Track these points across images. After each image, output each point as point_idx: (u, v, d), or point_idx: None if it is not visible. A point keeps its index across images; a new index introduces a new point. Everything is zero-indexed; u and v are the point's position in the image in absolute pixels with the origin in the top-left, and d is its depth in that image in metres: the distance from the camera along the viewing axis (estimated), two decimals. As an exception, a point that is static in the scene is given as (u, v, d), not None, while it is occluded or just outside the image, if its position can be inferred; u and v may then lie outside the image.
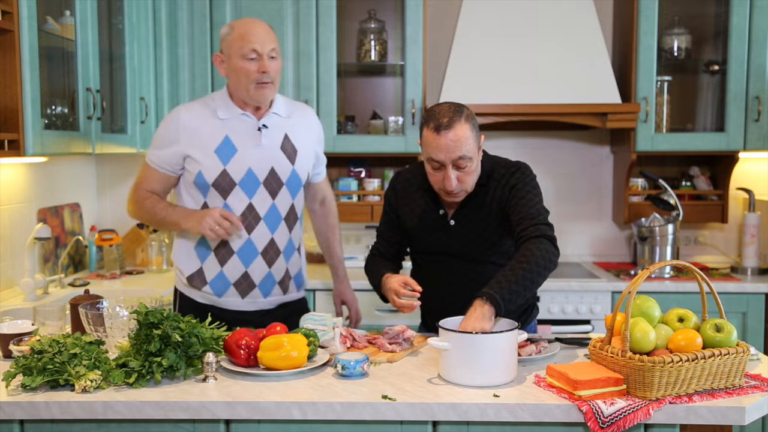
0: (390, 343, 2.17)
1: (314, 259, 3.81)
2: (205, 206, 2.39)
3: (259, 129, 2.40)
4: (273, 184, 2.41)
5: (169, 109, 3.65)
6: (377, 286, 2.32)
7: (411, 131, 3.65)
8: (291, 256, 2.51)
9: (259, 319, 2.40)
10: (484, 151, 2.30)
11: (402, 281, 2.19)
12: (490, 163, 2.29)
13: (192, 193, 2.41)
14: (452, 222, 2.28)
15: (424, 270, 2.38)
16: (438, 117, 2.11)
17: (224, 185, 2.35)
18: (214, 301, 2.44)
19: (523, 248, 2.08)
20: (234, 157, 2.36)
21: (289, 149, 2.44)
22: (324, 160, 2.63)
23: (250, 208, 2.38)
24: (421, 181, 2.32)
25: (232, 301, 2.44)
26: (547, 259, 2.06)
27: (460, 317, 1.98)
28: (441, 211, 2.30)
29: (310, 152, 2.51)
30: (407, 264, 2.52)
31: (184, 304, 2.48)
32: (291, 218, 2.48)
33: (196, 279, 2.43)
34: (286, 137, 2.44)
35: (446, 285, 2.30)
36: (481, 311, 1.92)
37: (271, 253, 2.43)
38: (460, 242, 2.28)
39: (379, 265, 2.39)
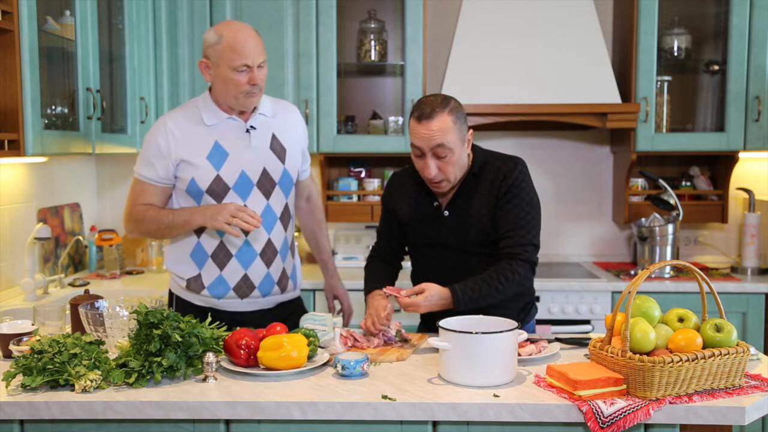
0: (386, 343, 2.19)
1: (313, 259, 3.80)
2: None
3: (248, 131, 2.39)
4: (266, 184, 2.40)
5: (170, 109, 3.66)
6: (366, 293, 2.39)
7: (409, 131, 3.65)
8: (287, 255, 2.51)
9: (257, 320, 2.40)
10: (477, 146, 2.33)
11: (387, 313, 2.24)
12: (483, 154, 2.33)
13: (184, 201, 2.39)
14: (446, 213, 2.31)
15: (422, 266, 2.41)
16: (422, 107, 2.20)
17: (218, 190, 2.34)
18: (212, 304, 2.43)
19: (506, 266, 2.21)
20: (226, 161, 2.35)
21: (278, 149, 2.44)
22: (309, 157, 2.63)
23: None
24: (416, 177, 2.35)
25: (231, 303, 2.43)
26: (520, 284, 2.23)
27: (461, 317, 1.99)
28: (435, 203, 2.33)
29: (297, 150, 2.52)
30: (407, 264, 2.53)
31: (180, 307, 2.47)
32: (285, 217, 2.48)
33: (194, 284, 2.42)
34: (273, 137, 2.44)
35: (444, 279, 2.31)
36: (442, 302, 2.15)
37: (269, 253, 2.43)
38: (455, 233, 2.30)
39: (376, 272, 2.45)
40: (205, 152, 2.34)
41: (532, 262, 2.23)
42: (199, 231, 2.39)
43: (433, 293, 2.16)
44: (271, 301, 2.49)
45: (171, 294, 2.54)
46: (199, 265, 2.41)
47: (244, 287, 2.42)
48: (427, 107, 2.18)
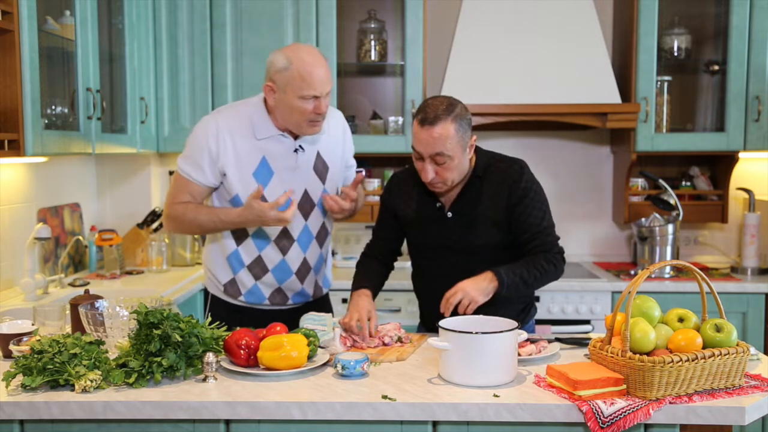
0: (385, 343, 2.19)
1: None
2: None
3: (296, 150, 2.37)
4: (306, 206, 2.41)
5: (170, 110, 3.66)
6: (353, 289, 2.36)
7: (411, 131, 3.65)
8: (320, 269, 2.54)
9: (291, 316, 2.42)
10: (479, 147, 2.33)
11: (368, 315, 2.22)
12: (485, 156, 2.33)
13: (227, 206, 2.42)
14: (449, 214, 2.31)
15: (424, 268, 2.40)
16: (426, 110, 2.17)
17: None
18: (247, 305, 2.49)
19: (542, 256, 2.24)
20: (270, 181, 2.34)
21: (320, 168, 2.43)
22: (353, 164, 2.61)
23: (284, 230, 2.40)
24: (417, 178, 2.34)
25: (265, 306, 2.49)
26: (556, 275, 2.27)
27: (460, 317, 1.98)
28: (438, 204, 2.32)
29: (339, 165, 2.50)
30: (399, 264, 2.52)
31: (215, 304, 2.53)
32: (322, 235, 2.49)
33: (231, 289, 2.47)
34: (318, 155, 2.43)
35: (446, 280, 2.30)
36: (485, 284, 2.13)
37: (303, 271, 2.47)
38: (458, 234, 2.30)
39: (366, 270, 2.44)
40: (252, 168, 2.34)
41: (562, 254, 2.29)
42: (239, 240, 2.41)
43: (470, 279, 2.14)
44: (303, 301, 2.54)
45: (206, 292, 2.59)
46: (234, 270, 2.44)
47: (278, 297, 2.47)
48: (431, 112, 2.15)
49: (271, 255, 2.41)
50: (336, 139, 2.49)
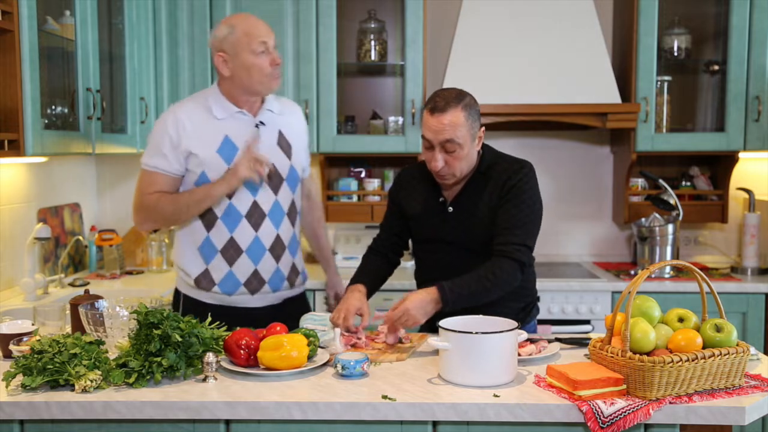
0: (385, 343, 2.19)
1: (314, 259, 3.80)
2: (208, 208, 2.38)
3: (257, 126, 2.41)
4: (274, 180, 2.42)
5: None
6: (351, 282, 2.39)
7: (411, 131, 3.65)
8: (296, 251, 2.53)
9: (266, 315, 2.40)
10: (489, 147, 2.33)
11: (355, 311, 2.24)
12: (493, 155, 2.34)
13: None
14: (450, 209, 2.32)
15: (426, 262, 2.42)
16: (436, 99, 2.21)
17: None
18: (222, 300, 2.43)
19: (495, 263, 2.19)
20: (236, 156, 2.35)
21: (284, 145, 2.47)
22: (309, 157, 2.65)
23: (255, 205, 2.39)
24: (425, 174, 2.36)
25: (240, 299, 2.44)
26: (508, 283, 2.20)
27: (461, 317, 1.98)
28: (440, 199, 2.34)
29: (302, 148, 2.55)
30: (405, 263, 2.52)
31: (187, 305, 2.46)
32: (292, 213, 2.50)
33: (204, 281, 2.42)
34: (280, 134, 2.47)
35: (445, 276, 2.31)
36: (428, 299, 2.12)
37: (277, 249, 2.44)
38: (457, 229, 2.30)
39: (365, 265, 2.46)
40: (215, 146, 2.36)
41: (521, 262, 2.20)
42: (209, 226, 2.39)
43: (417, 296, 2.15)
44: (279, 297, 2.50)
45: (177, 292, 2.53)
46: (206, 260, 2.41)
47: (255, 282, 2.43)
48: (441, 100, 2.18)
49: (243, 233, 2.38)
50: (299, 127, 2.57)
